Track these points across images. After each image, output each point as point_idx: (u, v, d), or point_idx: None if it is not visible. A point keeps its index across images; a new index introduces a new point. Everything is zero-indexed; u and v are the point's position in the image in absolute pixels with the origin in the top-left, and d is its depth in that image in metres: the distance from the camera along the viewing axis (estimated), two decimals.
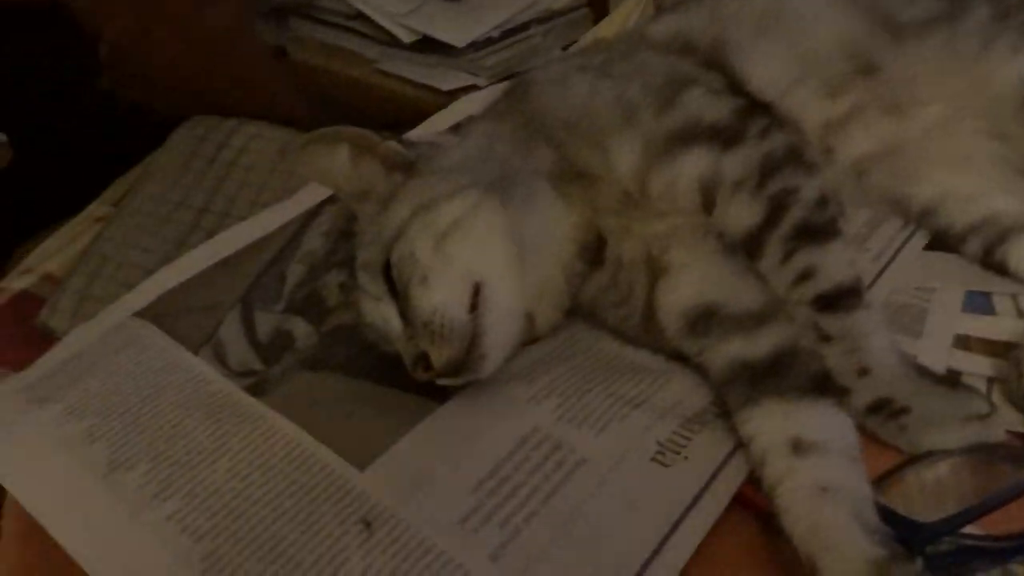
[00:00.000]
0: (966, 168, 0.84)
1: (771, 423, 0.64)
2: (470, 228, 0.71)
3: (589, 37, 1.43)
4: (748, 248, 0.70)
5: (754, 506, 0.66)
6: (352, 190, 0.81)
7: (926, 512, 0.62)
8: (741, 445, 0.67)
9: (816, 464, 0.61)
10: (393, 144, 0.78)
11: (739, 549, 0.64)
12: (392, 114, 1.33)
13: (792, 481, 0.60)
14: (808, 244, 0.66)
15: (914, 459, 0.65)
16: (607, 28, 1.42)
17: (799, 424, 0.63)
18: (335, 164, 0.79)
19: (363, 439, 0.71)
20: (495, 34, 2.06)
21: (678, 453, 0.70)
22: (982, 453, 0.65)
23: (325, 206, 0.97)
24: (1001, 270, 0.81)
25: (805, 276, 0.66)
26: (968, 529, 0.65)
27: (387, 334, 0.73)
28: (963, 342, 0.78)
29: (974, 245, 0.82)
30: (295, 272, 0.89)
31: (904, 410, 0.64)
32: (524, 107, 0.82)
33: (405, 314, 0.71)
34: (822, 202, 0.68)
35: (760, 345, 0.69)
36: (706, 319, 0.72)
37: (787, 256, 0.66)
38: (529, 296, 0.74)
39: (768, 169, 0.68)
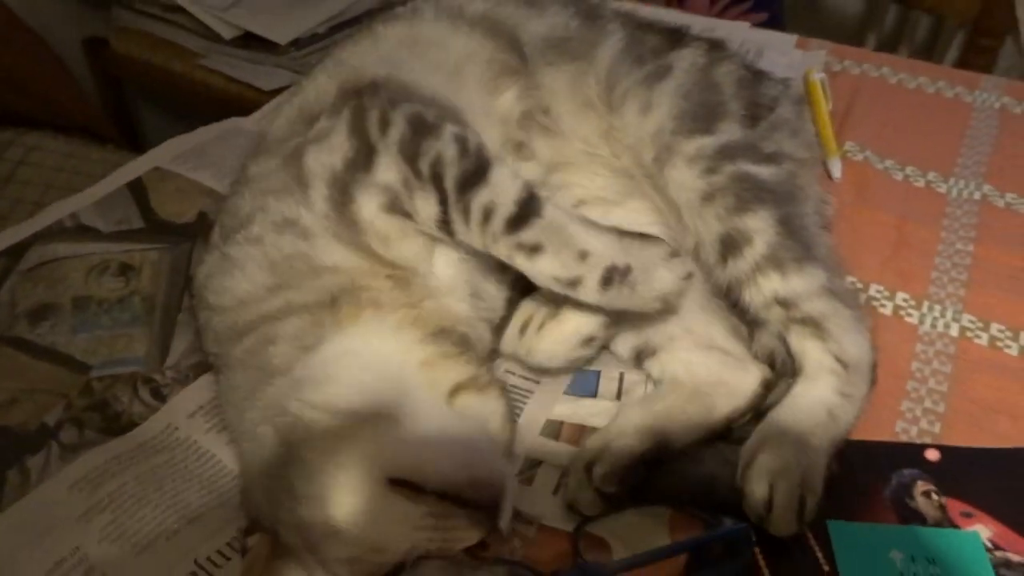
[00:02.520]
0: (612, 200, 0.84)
1: None
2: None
3: None
4: (446, 231, 0.69)
5: None
6: None
7: None
8: None
9: None
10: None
11: None
12: (214, 112, 1.24)
13: None
14: (472, 188, 0.67)
15: None
16: None
17: None
18: None
19: None
20: (321, 30, 1.95)
21: (211, 575, 0.66)
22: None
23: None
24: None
25: (488, 214, 0.67)
26: None
27: None
28: (555, 428, 0.76)
29: None
30: None
31: (628, 269, 0.67)
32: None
33: None
34: (463, 149, 0.69)
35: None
36: None
37: (466, 211, 0.67)
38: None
39: (410, 154, 0.68)
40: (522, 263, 0.68)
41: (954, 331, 0.87)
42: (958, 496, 0.73)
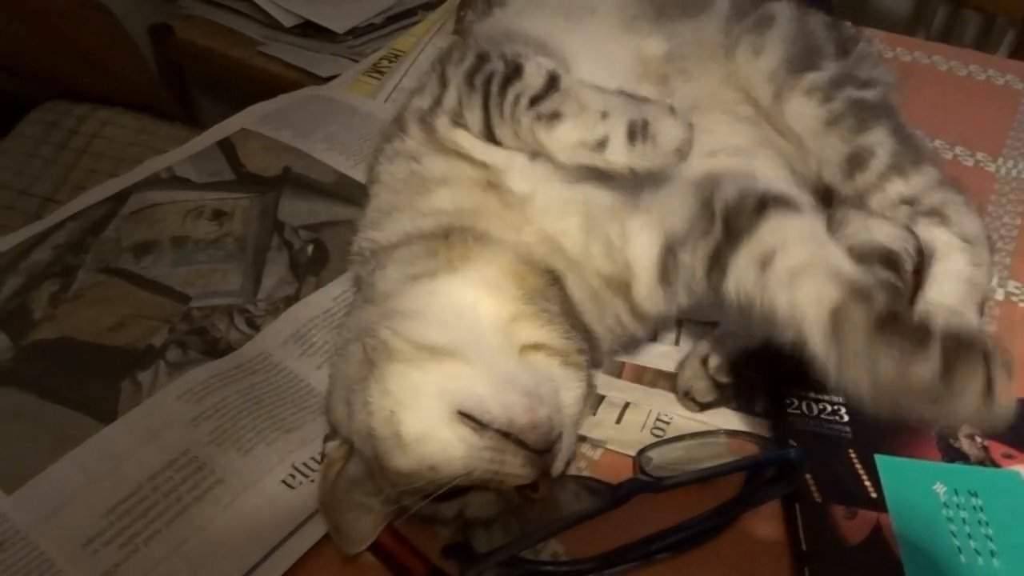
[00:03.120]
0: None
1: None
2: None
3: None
4: (489, 136, 0.75)
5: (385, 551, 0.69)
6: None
7: None
8: None
9: None
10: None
11: None
12: (272, 97, 1.32)
13: None
14: (510, 84, 0.74)
15: None
16: (404, 42, 1.40)
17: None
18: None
19: (18, 462, 0.74)
20: (378, 20, 2.03)
21: (307, 476, 0.73)
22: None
23: (68, 222, 1.00)
24: None
25: (518, 98, 0.73)
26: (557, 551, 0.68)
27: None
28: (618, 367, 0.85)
29: None
30: (11, 284, 0.92)
31: (645, 123, 0.70)
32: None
33: None
34: (505, 60, 0.76)
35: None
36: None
37: (502, 104, 0.73)
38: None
39: (469, 76, 0.76)
40: (543, 136, 0.72)
41: (999, 295, 0.92)
42: (999, 439, 0.77)
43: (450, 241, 0.74)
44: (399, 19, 2.00)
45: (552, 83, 0.73)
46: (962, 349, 0.54)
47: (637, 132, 0.69)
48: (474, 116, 0.75)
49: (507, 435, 0.62)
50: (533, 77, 0.73)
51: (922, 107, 1.21)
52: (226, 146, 1.13)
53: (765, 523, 0.72)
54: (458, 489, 0.63)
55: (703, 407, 0.80)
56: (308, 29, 2.00)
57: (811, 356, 0.61)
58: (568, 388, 0.71)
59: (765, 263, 0.64)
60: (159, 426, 0.77)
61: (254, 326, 0.89)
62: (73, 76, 1.71)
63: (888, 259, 0.82)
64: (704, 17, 0.94)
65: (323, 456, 0.71)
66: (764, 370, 0.79)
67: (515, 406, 0.63)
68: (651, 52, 0.92)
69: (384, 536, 0.68)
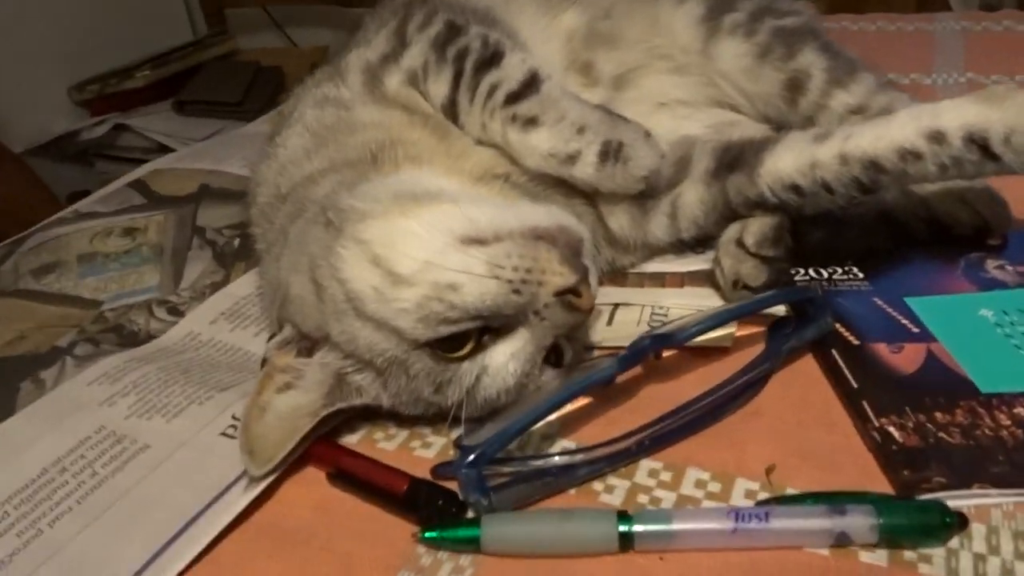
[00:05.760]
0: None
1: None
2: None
3: None
4: (449, 113, 0.70)
5: (326, 461, 0.57)
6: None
7: None
8: None
9: None
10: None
11: None
12: None
13: None
14: (487, 69, 0.69)
15: None
16: None
17: None
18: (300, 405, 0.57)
19: None
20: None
21: None
22: None
23: None
24: None
25: (493, 89, 0.68)
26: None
27: None
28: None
29: None
30: None
31: (620, 145, 0.66)
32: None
33: None
34: (485, 43, 0.71)
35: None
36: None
37: (475, 88, 0.69)
38: None
39: (439, 44, 0.71)
40: (515, 138, 0.67)
41: None
42: None
43: (378, 162, 0.66)
44: None
45: (532, 83, 0.68)
46: None
47: (610, 153, 0.66)
48: (439, 89, 0.70)
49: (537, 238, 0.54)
50: (513, 70, 0.68)
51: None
52: (138, 183, 1.04)
53: (802, 378, 0.61)
54: (482, 334, 0.54)
55: (760, 291, 0.68)
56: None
57: None
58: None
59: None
60: (68, 412, 0.64)
61: (178, 313, 0.77)
62: None
63: None
64: None
65: (264, 361, 0.58)
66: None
67: (530, 217, 0.55)
68: (573, 25, 0.87)
69: (352, 460, 0.55)
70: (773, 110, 0.85)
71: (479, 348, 0.54)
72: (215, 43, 2.54)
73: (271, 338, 0.59)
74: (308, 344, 0.57)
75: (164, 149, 2.09)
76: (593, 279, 0.57)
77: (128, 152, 2.20)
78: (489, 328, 0.54)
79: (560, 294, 0.54)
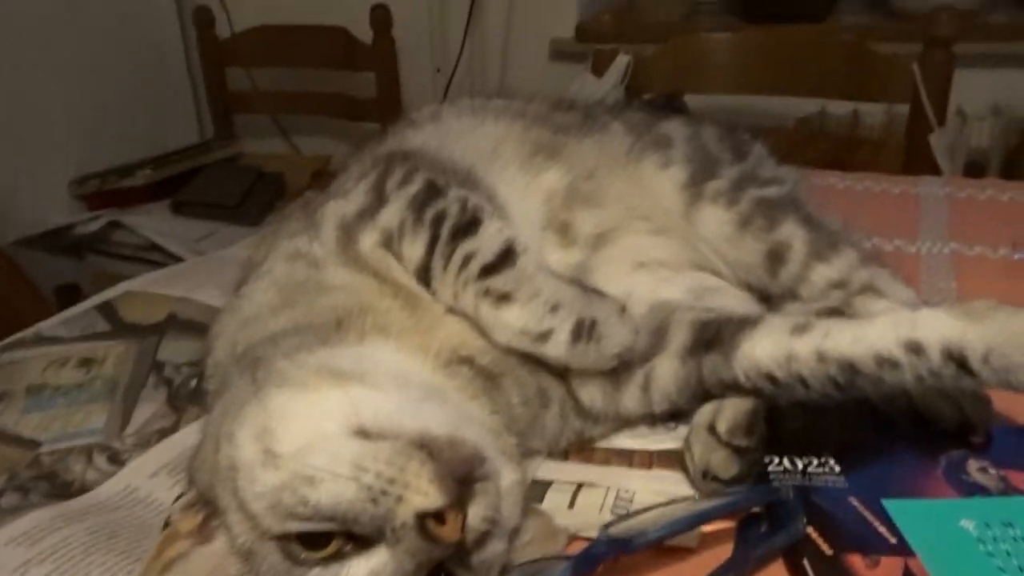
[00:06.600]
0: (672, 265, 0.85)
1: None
2: None
3: None
4: (422, 277, 0.68)
5: None
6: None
7: None
8: None
9: None
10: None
11: None
12: None
13: None
14: (463, 239, 0.68)
15: None
16: None
17: None
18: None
19: None
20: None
21: None
22: None
23: None
24: None
25: (468, 259, 0.67)
26: None
27: None
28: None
29: None
30: None
31: (593, 323, 0.65)
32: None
33: None
34: (463, 208, 0.70)
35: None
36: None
37: (449, 256, 0.67)
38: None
39: (417, 205, 0.70)
40: (486, 313, 0.65)
41: None
42: (1017, 467, 0.66)
43: (343, 329, 0.64)
44: None
45: (507, 256, 0.67)
46: None
47: (583, 331, 0.65)
48: (414, 252, 0.68)
49: (419, 447, 0.49)
50: (490, 241, 0.67)
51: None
52: (105, 306, 1.02)
53: None
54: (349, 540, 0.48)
55: (731, 484, 0.65)
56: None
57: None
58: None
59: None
60: None
61: (118, 462, 0.73)
62: None
63: None
64: (602, 134, 0.91)
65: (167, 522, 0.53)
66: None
67: (432, 418, 0.50)
68: (555, 185, 0.86)
69: None
70: (754, 278, 0.84)
71: (338, 556, 0.48)
72: (220, 146, 2.58)
73: (178, 497, 0.55)
74: (212, 508, 0.53)
75: (156, 248, 2.09)
76: (482, 508, 0.51)
77: (120, 248, 2.20)
78: (354, 536, 0.49)
79: (421, 517, 0.47)
